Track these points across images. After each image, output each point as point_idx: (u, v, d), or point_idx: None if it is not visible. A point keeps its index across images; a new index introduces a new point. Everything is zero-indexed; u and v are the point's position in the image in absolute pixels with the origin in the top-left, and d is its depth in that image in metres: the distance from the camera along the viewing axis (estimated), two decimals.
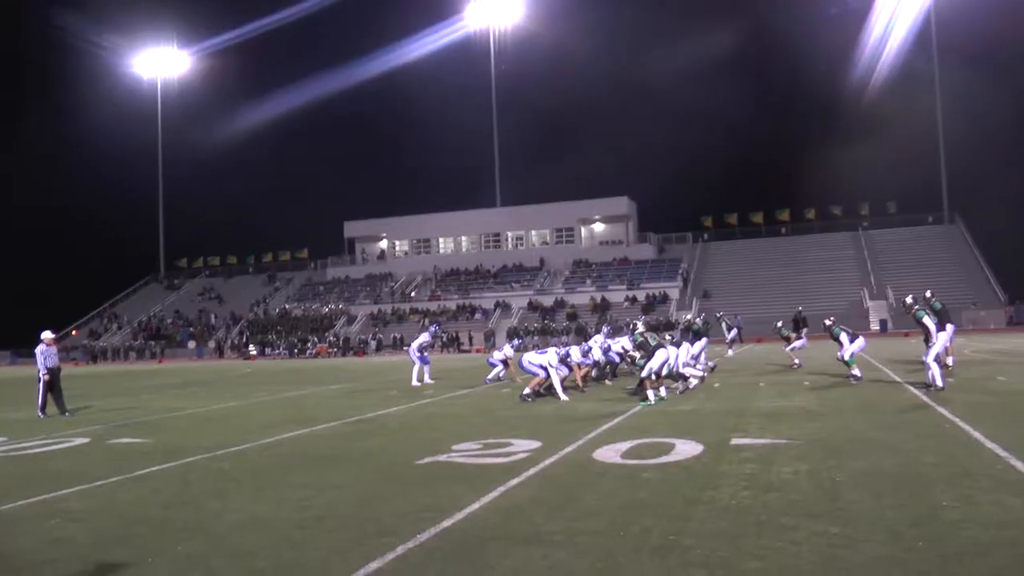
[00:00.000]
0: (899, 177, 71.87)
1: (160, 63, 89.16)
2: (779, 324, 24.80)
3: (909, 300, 15.71)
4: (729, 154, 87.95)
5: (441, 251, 79.39)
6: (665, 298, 63.26)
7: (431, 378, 21.79)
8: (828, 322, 18.48)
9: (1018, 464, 7.60)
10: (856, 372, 16.46)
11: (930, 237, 67.18)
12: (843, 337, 17.22)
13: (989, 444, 8.69)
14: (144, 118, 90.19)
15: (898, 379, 16.86)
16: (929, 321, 14.62)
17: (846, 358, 16.83)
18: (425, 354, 21.86)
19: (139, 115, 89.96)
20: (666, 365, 14.30)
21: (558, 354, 15.84)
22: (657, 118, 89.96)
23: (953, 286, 58.05)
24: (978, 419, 10.44)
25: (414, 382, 21.06)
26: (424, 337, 22.17)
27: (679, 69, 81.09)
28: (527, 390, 15.60)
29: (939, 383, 13.86)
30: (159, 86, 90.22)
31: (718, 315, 34.52)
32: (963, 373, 17.85)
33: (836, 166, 75.24)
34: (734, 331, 33.00)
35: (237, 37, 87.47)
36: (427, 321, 57.31)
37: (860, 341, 17.32)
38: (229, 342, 68.38)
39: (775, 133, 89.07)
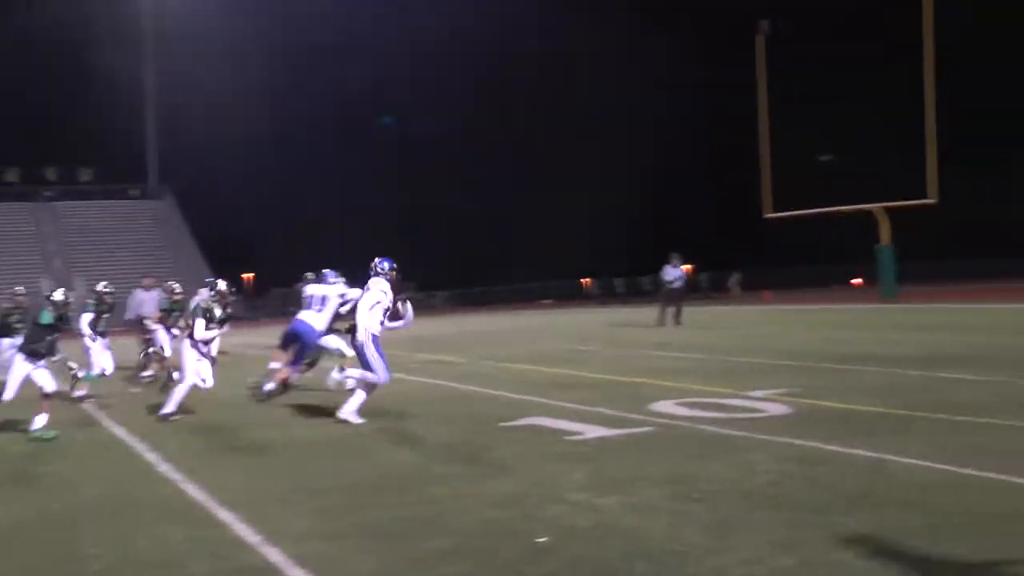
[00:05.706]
0: (100, 141, 72.51)
1: None
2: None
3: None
4: None
5: None
6: None
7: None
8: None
9: (188, 488, 8.05)
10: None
11: (134, 212, 69.36)
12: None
13: (162, 466, 9.10)
14: None
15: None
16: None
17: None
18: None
19: None
20: None
21: None
22: None
23: (161, 268, 60.83)
24: (155, 437, 10.85)
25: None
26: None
27: None
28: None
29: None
30: None
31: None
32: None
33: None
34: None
35: None
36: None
37: None
38: None
39: None
